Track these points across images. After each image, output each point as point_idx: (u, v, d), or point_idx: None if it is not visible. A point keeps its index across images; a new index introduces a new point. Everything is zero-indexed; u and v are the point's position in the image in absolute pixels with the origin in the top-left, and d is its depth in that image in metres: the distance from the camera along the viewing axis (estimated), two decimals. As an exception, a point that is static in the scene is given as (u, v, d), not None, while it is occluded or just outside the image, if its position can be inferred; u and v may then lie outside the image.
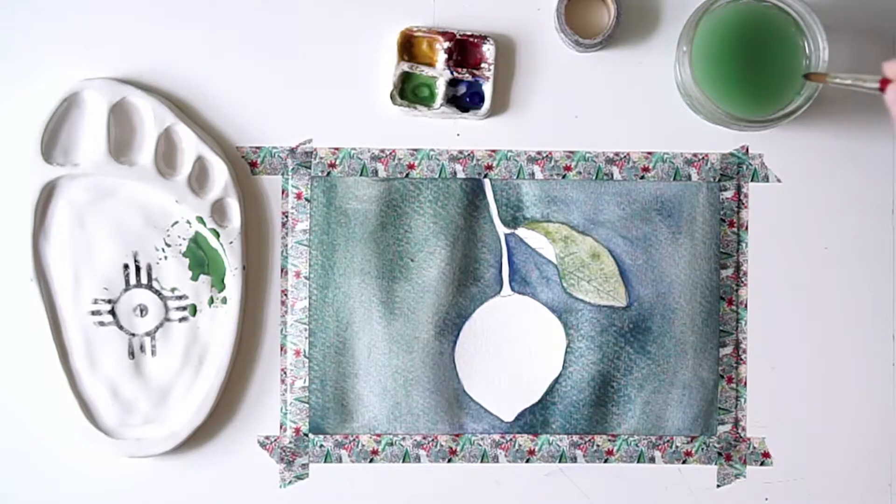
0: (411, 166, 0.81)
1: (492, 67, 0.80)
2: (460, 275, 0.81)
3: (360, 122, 0.81)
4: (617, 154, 0.81)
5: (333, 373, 0.81)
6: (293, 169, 0.81)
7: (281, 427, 0.81)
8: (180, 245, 0.80)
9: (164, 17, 0.80)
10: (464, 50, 0.81)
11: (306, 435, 0.81)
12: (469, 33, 0.80)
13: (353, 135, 0.81)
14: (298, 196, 0.81)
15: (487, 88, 0.80)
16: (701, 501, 0.82)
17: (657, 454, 0.81)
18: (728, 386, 0.81)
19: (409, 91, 0.81)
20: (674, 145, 0.82)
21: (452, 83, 0.80)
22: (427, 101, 0.81)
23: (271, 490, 0.81)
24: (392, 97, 0.80)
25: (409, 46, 0.81)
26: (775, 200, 0.82)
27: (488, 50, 0.80)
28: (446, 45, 0.80)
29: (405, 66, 0.80)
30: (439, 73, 0.80)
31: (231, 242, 0.80)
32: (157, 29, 0.80)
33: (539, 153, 0.81)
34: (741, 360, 0.81)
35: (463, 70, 0.80)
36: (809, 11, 0.76)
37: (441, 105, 0.80)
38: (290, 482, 0.81)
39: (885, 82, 0.70)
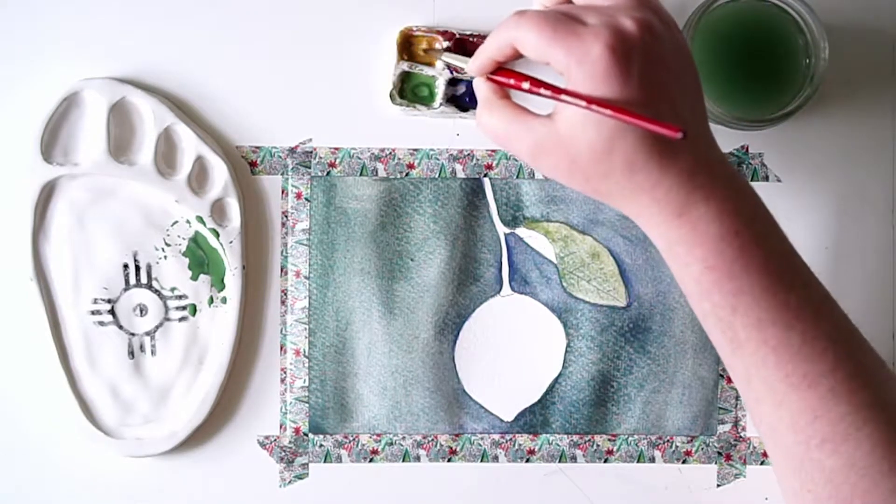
0: (411, 166, 0.81)
1: (491, 67, 0.80)
2: (460, 274, 0.81)
3: (360, 121, 0.81)
4: (617, 154, 0.81)
5: (333, 373, 0.81)
6: (293, 169, 0.81)
7: (281, 427, 0.81)
8: (180, 245, 0.80)
9: (164, 16, 0.80)
10: (463, 49, 0.81)
11: (306, 435, 0.81)
12: (468, 33, 0.80)
13: (353, 134, 0.81)
14: (298, 196, 0.81)
15: (487, 88, 0.80)
16: (701, 501, 0.82)
17: (657, 454, 0.81)
18: (728, 385, 0.81)
19: (409, 91, 0.81)
20: (674, 145, 0.82)
21: (452, 83, 0.80)
22: (427, 101, 0.81)
23: (271, 490, 0.81)
24: (391, 96, 0.80)
25: (408, 46, 0.81)
26: (775, 200, 0.81)
27: (488, 50, 0.80)
28: (446, 44, 0.80)
29: (405, 66, 0.80)
30: (439, 73, 0.80)
31: (231, 242, 0.80)
32: (157, 29, 0.80)
33: (539, 153, 0.81)
34: (741, 359, 0.81)
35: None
36: (809, 11, 0.76)
37: (440, 105, 0.80)
38: (290, 482, 0.81)
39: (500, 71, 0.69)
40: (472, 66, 0.69)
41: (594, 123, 0.62)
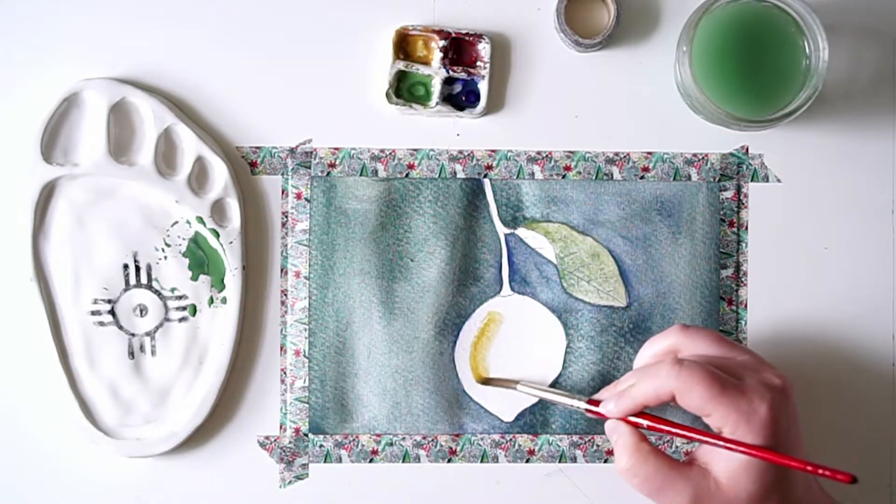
0: (411, 166, 0.81)
1: (487, 66, 0.80)
2: (460, 275, 0.81)
3: (360, 122, 0.81)
4: (617, 154, 0.81)
5: (333, 373, 0.81)
6: (293, 169, 0.81)
7: (281, 427, 0.81)
8: (180, 245, 0.80)
9: (164, 17, 0.80)
10: (459, 48, 0.81)
11: (306, 435, 0.81)
12: (464, 32, 0.80)
13: (353, 135, 0.81)
14: (298, 196, 0.81)
15: (483, 87, 0.80)
16: (701, 501, 0.81)
17: (657, 454, 0.81)
18: (728, 386, 0.81)
19: (405, 90, 0.81)
20: (674, 145, 0.82)
21: (448, 81, 0.80)
22: (423, 100, 0.81)
23: (271, 490, 0.81)
24: (388, 96, 0.80)
25: (404, 45, 0.81)
26: (775, 200, 0.82)
27: (483, 48, 0.80)
28: (441, 43, 0.80)
29: (401, 65, 0.80)
30: (435, 72, 0.80)
31: (231, 242, 0.80)
32: (157, 29, 0.80)
33: (539, 153, 0.81)
34: (741, 360, 0.81)
35: (458, 68, 0.80)
36: (809, 11, 0.76)
37: (437, 103, 0.80)
38: (289, 482, 0.81)
39: (592, 402, 0.73)
40: (619, 408, 0.70)
41: (759, 472, 0.67)
